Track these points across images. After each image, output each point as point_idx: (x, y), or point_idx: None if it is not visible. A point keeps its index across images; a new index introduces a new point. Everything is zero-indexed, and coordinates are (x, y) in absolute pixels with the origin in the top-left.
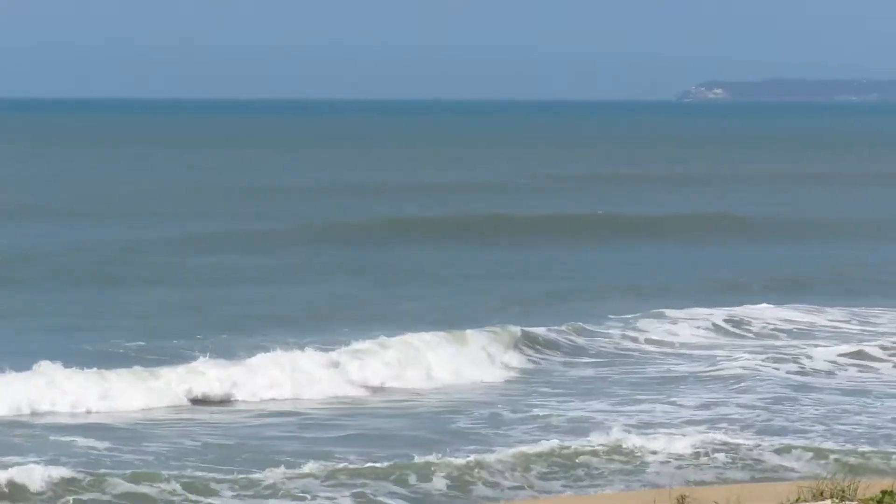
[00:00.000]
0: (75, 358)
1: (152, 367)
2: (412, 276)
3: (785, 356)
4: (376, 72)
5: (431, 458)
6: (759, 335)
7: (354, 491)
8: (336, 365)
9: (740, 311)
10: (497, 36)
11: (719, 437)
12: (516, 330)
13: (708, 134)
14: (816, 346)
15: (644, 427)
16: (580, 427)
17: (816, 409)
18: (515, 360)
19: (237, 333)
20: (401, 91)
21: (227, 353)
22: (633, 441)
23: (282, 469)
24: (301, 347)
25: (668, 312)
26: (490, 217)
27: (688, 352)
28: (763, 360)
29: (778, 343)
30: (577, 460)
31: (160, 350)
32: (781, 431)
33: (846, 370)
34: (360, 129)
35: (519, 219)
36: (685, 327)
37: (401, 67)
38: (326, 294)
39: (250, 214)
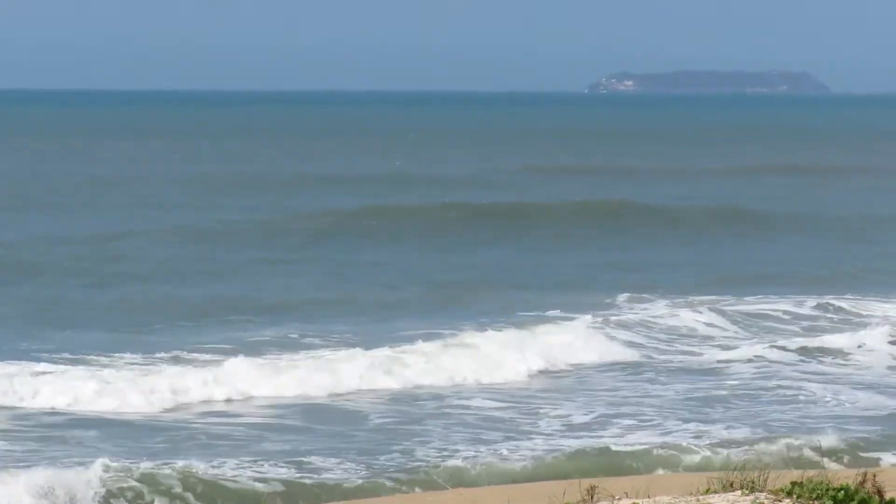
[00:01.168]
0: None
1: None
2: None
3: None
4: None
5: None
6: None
7: None
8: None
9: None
10: (390, 32)
11: (637, 430)
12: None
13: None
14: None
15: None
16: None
17: (729, 404)
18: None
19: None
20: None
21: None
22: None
23: None
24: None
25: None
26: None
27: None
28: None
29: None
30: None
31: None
32: (696, 424)
33: (766, 365)
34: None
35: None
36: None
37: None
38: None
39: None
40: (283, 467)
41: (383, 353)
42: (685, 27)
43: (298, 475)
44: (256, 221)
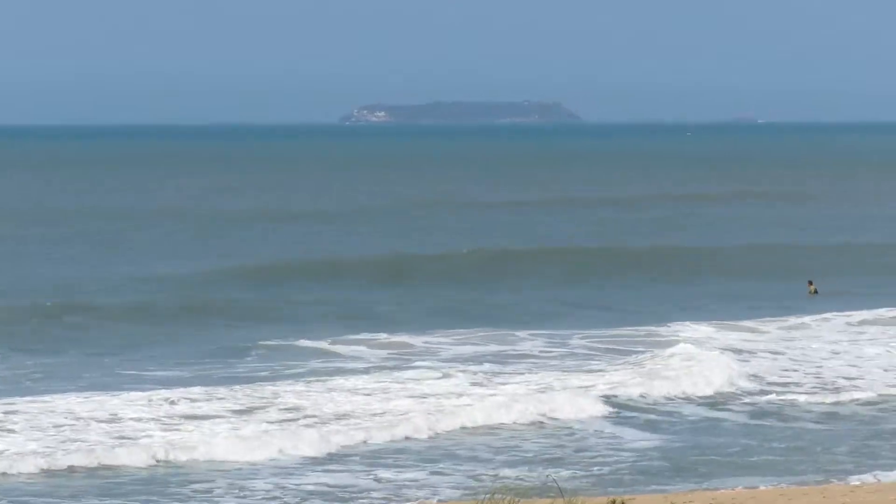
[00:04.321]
0: None
1: None
2: None
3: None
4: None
5: None
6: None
7: None
8: None
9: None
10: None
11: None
12: None
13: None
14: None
15: None
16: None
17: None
18: None
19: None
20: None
21: None
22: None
23: None
24: None
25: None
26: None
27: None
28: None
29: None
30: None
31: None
32: (437, 456)
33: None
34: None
35: None
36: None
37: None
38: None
39: None
40: None
41: None
42: (438, 59)
43: None
44: None
